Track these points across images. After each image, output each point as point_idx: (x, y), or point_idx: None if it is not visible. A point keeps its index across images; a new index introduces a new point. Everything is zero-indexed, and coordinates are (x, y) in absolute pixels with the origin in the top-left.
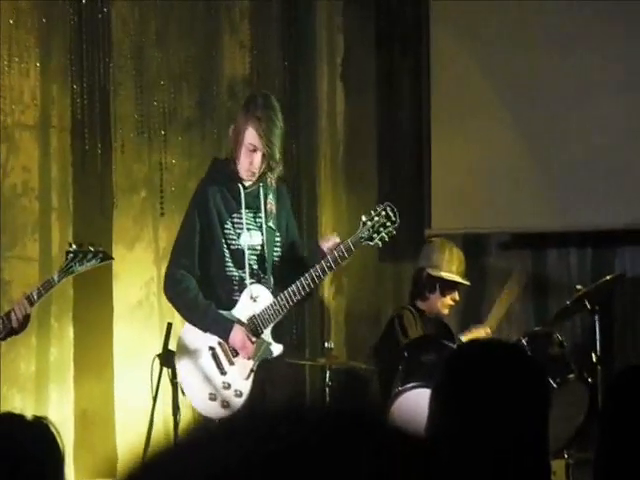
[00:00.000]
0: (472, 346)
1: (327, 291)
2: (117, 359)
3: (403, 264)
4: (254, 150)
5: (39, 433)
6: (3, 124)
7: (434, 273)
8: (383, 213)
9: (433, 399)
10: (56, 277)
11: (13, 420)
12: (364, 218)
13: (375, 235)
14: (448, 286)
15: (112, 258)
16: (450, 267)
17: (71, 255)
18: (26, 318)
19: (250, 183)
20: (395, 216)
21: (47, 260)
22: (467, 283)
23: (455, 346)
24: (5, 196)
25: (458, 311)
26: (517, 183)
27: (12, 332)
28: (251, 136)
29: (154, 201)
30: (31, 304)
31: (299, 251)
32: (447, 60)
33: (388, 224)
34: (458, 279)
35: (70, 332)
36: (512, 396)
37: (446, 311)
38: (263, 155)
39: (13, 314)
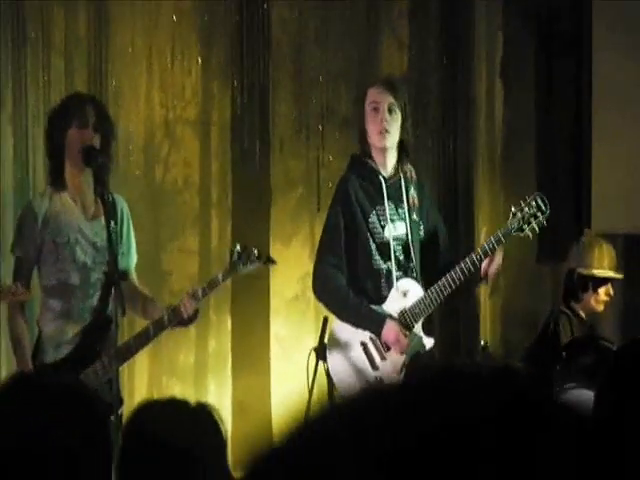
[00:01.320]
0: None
1: (483, 291)
2: (273, 352)
3: (561, 265)
4: (377, 108)
5: (203, 419)
6: (165, 119)
7: (585, 272)
8: (533, 203)
9: (597, 402)
10: (220, 276)
11: (178, 405)
12: (514, 209)
13: (525, 226)
14: (601, 282)
15: (274, 262)
16: (601, 263)
17: (236, 256)
18: (195, 312)
19: (391, 175)
20: (546, 206)
21: (206, 253)
22: (620, 276)
23: (614, 347)
24: (166, 190)
25: (619, 313)
26: None
27: (180, 324)
28: (373, 95)
29: (311, 197)
30: (196, 300)
31: (443, 241)
32: (609, 60)
33: (538, 214)
34: (611, 274)
35: (228, 325)
36: None
37: (601, 307)
38: (389, 111)
39: (182, 308)
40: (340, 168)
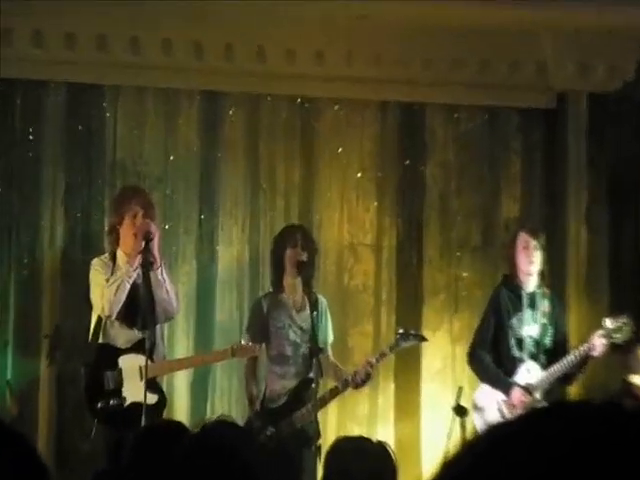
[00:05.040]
0: None
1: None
2: (423, 408)
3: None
4: (527, 247)
5: (384, 450)
6: (350, 243)
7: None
8: (625, 320)
9: None
10: (388, 350)
11: (366, 440)
12: (608, 322)
13: (617, 335)
14: None
15: (427, 339)
16: None
17: (399, 335)
18: (368, 376)
19: (530, 291)
20: (630, 323)
21: (378, 336)
22: None
23: None
24: (350, 291)
25: None
26: None
27: (359, 385)
28: (524, 238)
29: (450, 301)
30: (371, 367)
31: (565, 341)
32: None
33: (627, 328)
34: None
35: (391, 385)
36: None
37: None
38: (535, 249)
39: (359, 373)
40: (471, 282)
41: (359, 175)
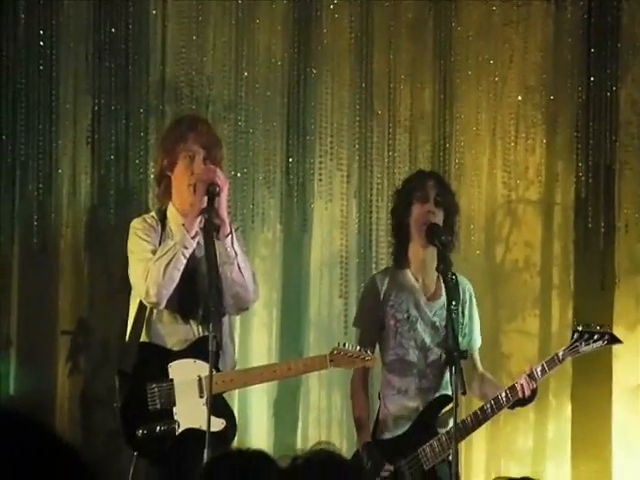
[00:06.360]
0: None
1: None
2: (615, 441)
3: None
4: None
5: None
6: (507, 199)
7: None
8: None
9: None
10: (561, 354)
11: None
12: None
13: None
14: None
15: (620, 341)
16: None
17: (577, 334)
18: (532, 394)
19: None
20: None
21: (546, 336)
22: None
23: None
24: (506, 270)
25: None
26: None
27: (518, 403)
28: None
29: None
30: (534, 380)
31: None
32: None
33: None
34: None
35: (568, 410)
36: None
37: None
38: None
39: (518, 386)
40: None
41: (520, 98)
